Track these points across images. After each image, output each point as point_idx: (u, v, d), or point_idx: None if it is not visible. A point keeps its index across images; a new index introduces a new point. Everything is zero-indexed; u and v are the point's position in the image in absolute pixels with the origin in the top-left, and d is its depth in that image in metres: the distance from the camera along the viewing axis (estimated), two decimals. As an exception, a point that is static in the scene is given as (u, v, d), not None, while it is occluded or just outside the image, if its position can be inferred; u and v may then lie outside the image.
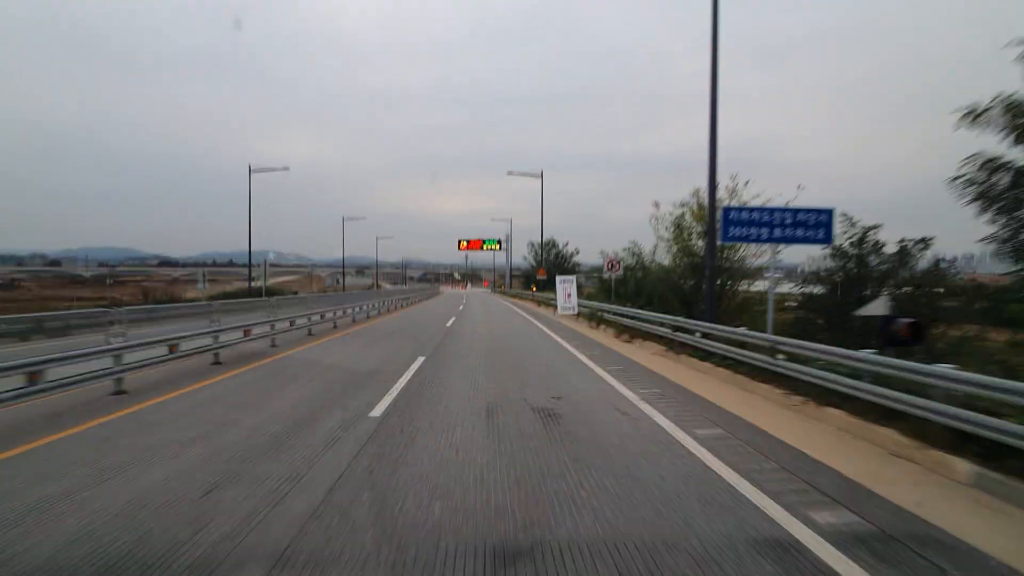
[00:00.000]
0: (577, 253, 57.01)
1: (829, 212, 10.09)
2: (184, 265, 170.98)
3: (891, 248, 11.88)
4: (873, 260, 11.98)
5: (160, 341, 9.19)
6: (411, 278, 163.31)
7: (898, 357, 6.10)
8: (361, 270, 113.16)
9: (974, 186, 8.13)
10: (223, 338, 10.99)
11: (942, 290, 11.89)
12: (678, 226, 15.46)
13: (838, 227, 10.97)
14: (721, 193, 12.82)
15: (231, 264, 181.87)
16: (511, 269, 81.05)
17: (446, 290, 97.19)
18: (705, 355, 10.67)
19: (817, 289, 13.32)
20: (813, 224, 9.96)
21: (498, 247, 70.22)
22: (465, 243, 71.03)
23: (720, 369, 9.84)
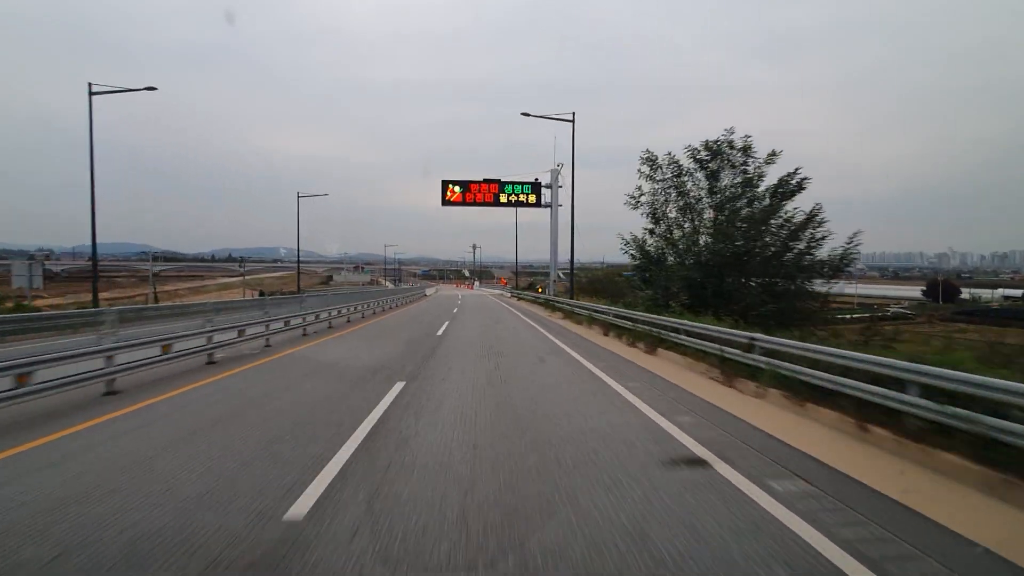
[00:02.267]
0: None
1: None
2: (191, 260, 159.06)
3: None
4: None
5: None
6: (414, 275, 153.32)
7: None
8: (359, 266, 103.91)
9: None
10: None
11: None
12: None
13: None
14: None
15: (230, 259, 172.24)
16: (573, 241, 27.92)
17: (440, 292, 68.61)
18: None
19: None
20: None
21: (532, 198, 35.51)
22: (458, 191, 35.83)
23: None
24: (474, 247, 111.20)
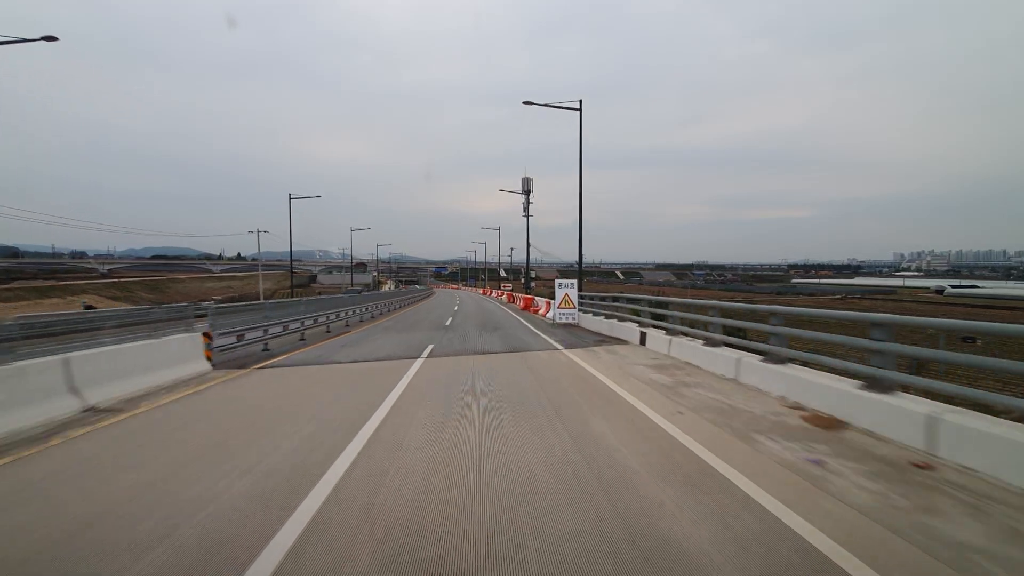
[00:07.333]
0: None
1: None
2: (194, 260, 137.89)
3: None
4: None
5: None
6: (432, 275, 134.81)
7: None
8: (361, 264, 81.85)
9: None
10: None
11: None
12: None
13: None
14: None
15: (236, 258, 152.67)
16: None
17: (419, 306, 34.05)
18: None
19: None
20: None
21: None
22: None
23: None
24: (527, 207, 36.02)
